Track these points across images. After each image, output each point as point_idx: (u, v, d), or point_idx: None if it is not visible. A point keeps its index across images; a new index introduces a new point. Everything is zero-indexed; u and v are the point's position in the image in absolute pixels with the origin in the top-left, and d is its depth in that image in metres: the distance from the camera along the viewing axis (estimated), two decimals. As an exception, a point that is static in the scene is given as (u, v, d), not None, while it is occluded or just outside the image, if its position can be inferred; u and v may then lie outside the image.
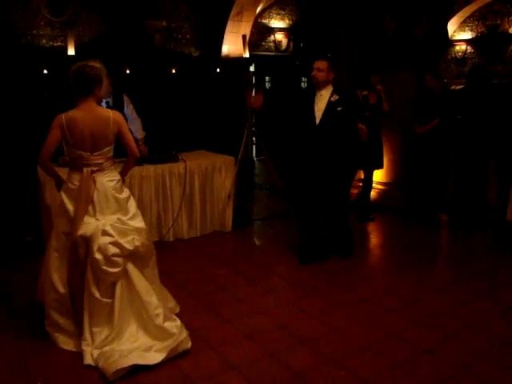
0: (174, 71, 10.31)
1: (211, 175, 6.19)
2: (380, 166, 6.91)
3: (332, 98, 5.07)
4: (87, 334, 3.48)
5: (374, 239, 6.43)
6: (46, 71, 8.73)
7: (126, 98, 6.23)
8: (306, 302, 4.34)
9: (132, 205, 3.76)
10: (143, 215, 3.95)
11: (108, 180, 3.66)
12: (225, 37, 10.13)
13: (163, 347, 3.39)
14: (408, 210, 7.00)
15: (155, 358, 3.32)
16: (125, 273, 3.57)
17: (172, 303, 4.05)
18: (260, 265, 5.29)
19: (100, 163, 3.63)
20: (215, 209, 6.29)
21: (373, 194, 7.34)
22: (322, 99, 5.11)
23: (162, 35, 10.23)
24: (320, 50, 9.01)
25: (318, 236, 5.31)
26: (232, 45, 10.25)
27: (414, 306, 4.27)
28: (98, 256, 3.46)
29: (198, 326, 3.87)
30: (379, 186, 7.67)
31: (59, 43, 9.05)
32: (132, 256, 3.59)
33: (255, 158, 10.03)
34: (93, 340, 3.47)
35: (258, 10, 10.38)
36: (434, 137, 6.55)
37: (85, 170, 3.59)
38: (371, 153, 6.71)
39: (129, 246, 3.54)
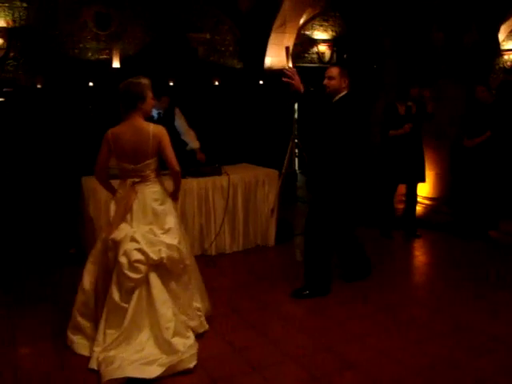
0: (216, 83, 10.32)
1: (254, 189, 6.11)
2: (422, 180, 6.69)
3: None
4: (101, 335, 3.55)
5: (421, 257, 6.21)
6: (91, 84, 8.85)
7: (177, 111, 6.29)
8: (352, 323, 4.18)
9: (170, 221, 3.78)
10: (185, 228, 3.91)
11: (150, 191, 3.77)
12: (268, 49, 10.09)
13: (166, 362, 3.38)
14: (456, 227, 6.74)
15: (153, 372, 3.30)
16: (147, 281, 3.63)
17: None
18: (301, 281, 5.14)
19: (142, 175, 3.75)
20: (258, 223, 6.20)
21: (419, 209, 7.11)
22: None
23: (206, 47, 10.28)
24: (364, 61, 8.85)
25: (358, 252, 5.10)
26: (275, 57, 10.19)
27: (469, 331, 4.03)
28: (123, 260, 3.58)
29: (240, 346, 3.77)
30: (425, 201, 7.43)
31: (104, 56, 9.18)
32: (157, 267, 3.66)
33: (298, 171, 9.90)
34: (104, 341, 3.52)
35: (302, 21, 10.31)
36: (485, 150, 6.31)
37: (128, 180, 3.78)
38: (412, 166, 6.51)
39: (153, 256, 3.61)
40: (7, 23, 8.64)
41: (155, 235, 3.69)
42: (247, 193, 6.05)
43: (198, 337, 3.81)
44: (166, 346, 3.49)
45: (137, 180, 3.76)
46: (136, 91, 3.71)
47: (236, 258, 5.87)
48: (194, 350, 3.54)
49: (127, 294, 3.58)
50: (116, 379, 3.23)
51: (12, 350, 3.74)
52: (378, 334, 3.96)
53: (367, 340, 3.86)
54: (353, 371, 3.44)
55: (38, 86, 8.63)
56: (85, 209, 5.57)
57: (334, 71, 4.65)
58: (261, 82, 10.34)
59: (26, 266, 5.54)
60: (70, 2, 8.90)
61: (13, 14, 8.69)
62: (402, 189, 7.04)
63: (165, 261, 3.65)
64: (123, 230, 3.67)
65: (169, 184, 3.98)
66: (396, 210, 7.06)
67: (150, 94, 3.79)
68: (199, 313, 3.93)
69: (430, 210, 7.38)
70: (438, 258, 6.19)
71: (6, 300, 4.65)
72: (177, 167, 3.83)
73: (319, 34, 11.01)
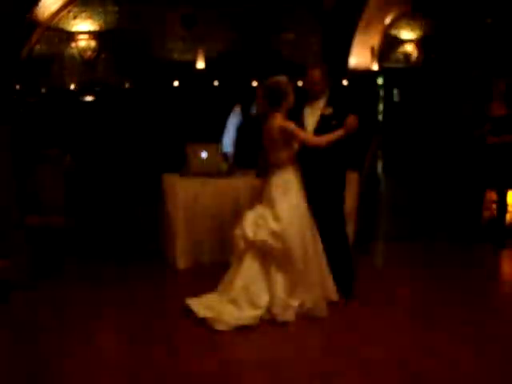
0: (300, 84, 10.24)
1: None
2: (510, 186, 6.27)
3: (326, 111, 4.35)
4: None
5: (508, 269, 5.84)
6: (176, 84, 9.06)
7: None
8: (429, 336, 3.97)
9: (283, 208, 4.08)
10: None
11: (276, 178, 4.18)
12: (352, 49, 9.90)
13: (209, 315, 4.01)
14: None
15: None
16: (243, 255, 4.13)
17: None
18: (380, 289, 4.97)
19: (275, 164, 4.21)
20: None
21: (508, 217, 6.69)
22: (314, 112, 4.40)
23: (290, 48, 10.23)
24: (452, 60, 8.48)
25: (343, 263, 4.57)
26: (360, 57, 9.99)
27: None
28: (237, 230, 4.20)
29: (306, 348, 3.68)
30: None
31: (189, 57, 9.37)
32: (253, 246, 4.08)
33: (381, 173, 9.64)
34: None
35: (387, 21, 10.03)
36: None
37: (269, 168, 4.28)
38: (503, 170, 6.12)
39: (249, 234, 4.08)
40: (100, 26, 9.01)
41: (263, 218, 4.10)
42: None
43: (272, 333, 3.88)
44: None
45: (272, 168, 4.25)
46: (279, 90, 4.13)
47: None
48: (236, 321, 3.92)
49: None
50: None
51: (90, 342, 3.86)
52: (457, 349, 3.73)
53: (445, 355, 3.65)
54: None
55: (126, 86, 8.95)
56: (163, 204, 5.70)
57: (318, 75, 4.35)
58: (345, 83, 10.17)
59: (108, 259, 5.73)
60: (157, 4, 9.16)
61: (105, 18, 9.06)
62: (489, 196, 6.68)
63: (257, 243, 4.05)
64: (251, 210, 4.25)
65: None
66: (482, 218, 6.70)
67: (291, 90, 4.18)
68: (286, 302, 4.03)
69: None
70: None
71: (86, 292, 4.83)
72: (310, 141, 4.19)
73: (406, 34, 10.67)
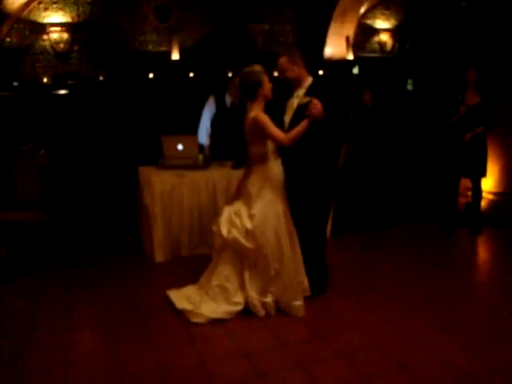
0: (276, 74, 10.23)
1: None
2: (483, 174, 6.36)
3: (302, 101, 4.10)
4: None
5: (483, 254, 5.95)
6: (151, 75, 8.98)
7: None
8: (404, 322, 4.02)
9: (257, 205, 4.03)
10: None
11: (254, 174, 4.11)
12: (328, 39, 9.90)
13: (188, 309, 4.07)
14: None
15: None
16: (219, 251, 4.12)
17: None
18: (357, 277, 5.02)
19: (252, 158, 4.13)
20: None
21: (482, 204, 6.80)
22: (294, 102, 4.25)
23: (265, 38, 10.19)
24: (427, 50, 8.54)
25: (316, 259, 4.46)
26: (335, 47, 9.99)
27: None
28: (214, 226, 4.18)
29: (287, 342, 3.70)
30: (489, 196, 7.11)
31: (164, 48, 9.28)
32: (227, 244, 4.03)
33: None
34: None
35: (362, 10, 10.05)
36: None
37: (247, 162, 4.25)
38: (475, 160, 6.22)
39: (223, 231, 4.03)
40: (72, 18, 8.87)
41: (238, 216, 4.05)
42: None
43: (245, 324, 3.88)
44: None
45: (250, 162, 4.20)
46: (252, 80, 3.97)
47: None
48: (213, 314, 3.95)
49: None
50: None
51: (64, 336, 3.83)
52: (432, 335, 3.79)
53: (421, 341, 3.71)
54: (404, 372, 3.30)
55: (100, 78, 8.84)
56: (140, 197, 5.67)
57: (283, 62, 4.20)
58: (320, 73, 10.17)
59: (84, 253, 5.68)
60: (130, -5, 9.06)
61: (77, 9, 8.92)
62: (464, 183, 6.78)
63: (229, 241, 4.01)
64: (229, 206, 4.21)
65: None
66: (458, 204, 6.80)
67: (265, 79, 4.02)
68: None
69: (494, 204, 7.04)
70: (501, 255, 5.90)
71: (64, 286, 4.79)
72: (283, 140, 3.97)
73: (381, 23, 10.70)
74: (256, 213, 4.01)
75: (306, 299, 4.20)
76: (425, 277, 4.98)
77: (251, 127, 4.03)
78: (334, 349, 3.58)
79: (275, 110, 4.19)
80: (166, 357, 3.48)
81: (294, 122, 4.07)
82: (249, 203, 4.07)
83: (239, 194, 4.24)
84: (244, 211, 4.06)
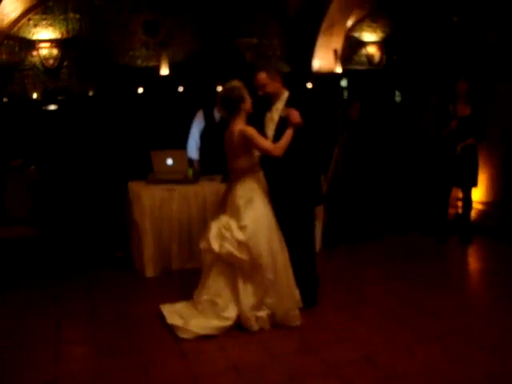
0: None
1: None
2: (474, 184, 6.43)
3: (283, 114, 4.23)
4: None
5: (474, 264, 5.98)
6: (140, 90, 9.01)
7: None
8: (395, 333, 4.03)
9: (247, 217, 4.02)
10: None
11: (239, 186, 4.11)
12: (315, 52, 9.98)
13: (178, 324, 4.03)
14: (505, 232, 6.48)
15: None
16: (210, 266, 4.10)
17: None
18: (347, 289, 5.03)
19: (237, 172, 4.16)
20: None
21: (473, 213, 6.85)
22: (274, 116, 4.34)
23: (254, 52, 10.26)
24: (414, 62, 8.63)
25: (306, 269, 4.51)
26: (323, 60, 10.07)
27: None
28: (202, 243, 4.16)
29: (278, 355, 3.70)
30: (478, 206, 7.16)
31: (153, 63, 9.32)
32: (219, 259, 4.03)
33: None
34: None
35: (349, 23, 10.15)
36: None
37: (231, 175, 4.26)
38: (466, 170, 6.28)
39: (214, 246, 4.02)
40: (61, 34, 8.90)
41: (227, 229, 4.03)
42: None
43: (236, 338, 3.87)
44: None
45: (233, 176, 4.23)
46: (234, 95, 4.05)
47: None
48: (202, 330, 3.93)
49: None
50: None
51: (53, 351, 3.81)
52: (424, 345, 3.81)
53: (412, 351, 3.72)
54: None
55: (90, 94, 8.85)
56: (130, 213, 5.67)
57: (263, 77, 4.29)
58: (309, 86, 10.25)
59: (74, 268, 5.66)
60: (119, 11, 9.09)
61: (67, 26, 8.95)
62: (454, 193, 6.84)
63: (224, 256, 4.00)
64: (216, 220, 4.17)
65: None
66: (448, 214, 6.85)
67: (246, 94, 4.11)
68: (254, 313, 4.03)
69: (483, 214, 7.10)
70: (491, 265, 5.94)
71: (53, 301, 4.77)
72: (272, 151, 4.05)
73: (368, 36, 10.80)
74: (247, 224, 4.01)
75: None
76: (416, 288, 5.00)
77: (238, 141, 4.06)
78: (325, 361, 3.58)
79: (255, 123, 4.25)
80: (157, 372, 3.47)
81: (279, 133, 4.20)
82: (237, 216, 4.06)
83: (224, 208, 4.22)
84: (233, 224, 4.04)
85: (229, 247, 3.99)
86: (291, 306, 4.11)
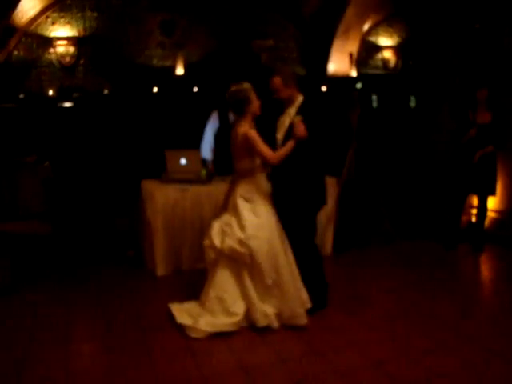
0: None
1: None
2: (492, 192, 6.38)
3: (295, 120, 4.20)
4: None
5: (485, 272, 5.94)
6: (155, 90, 9.04)
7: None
8: (404, 339, 4.02)
9: (246, 218, 4.10)
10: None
11: (241, 187, 4.20)
12: (331, 55, 9.97)
13: (188, 323, 4.08)
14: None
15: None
16: (215, 265, 4.18)
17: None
18: (357, 294, 5.02)
19: (239, 172, 4.23)
20: (314, 231, 6.10)
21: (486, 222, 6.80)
22: (285, 121, 4.36)
23: (269, 54, 10.26)
24: (430, 67, 8.59)
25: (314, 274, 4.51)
26: (338, 63, 10.06)
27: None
28: (205, 240, 4.24)
29: (285, 357, 3.70)
30: (492, 214, 7.10)
31: (169, 63, 9.36)
32: (222, 254, 4.10)
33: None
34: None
35: (366, 27, 10.13)
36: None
37: (233, 176, 4.34)
38: (483, 177, 6.23)
39: (216, 242, 4.12)
40: (78, 32, 8.95)
41: (229, 226, 4.12)
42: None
43: (245, 339, 3.84)
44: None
45: (236, 176, 4.30)
46: (240, 97, 4.11)
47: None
48: (212, 328, 3.98)
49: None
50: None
51: (64, 349, 3.83)
52: (434, 353, 3.79)
53: (421, 359, 3.70)
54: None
55: (105, 92, 8.90)
56: (142, 212, 5.69)
57: (277, 82, 4.29)
58: (324, 89, 10.23)
59: (86, 266, 5.69)
60: (136, 10, 9.14)
61: (84, 24, 9.01)
62: (468, 200, 6.80)
63: (225, 251, 4.07)
64: (220, 217, 4.28)
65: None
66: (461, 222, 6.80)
67: (253, 96, 4.16)
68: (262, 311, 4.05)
69: (497, 223, 7.04)
70: (503, 273, 5.90)
71: (65, 298, 4.79)
72: (271, 159, 4.11)
73: (384, 40, 10.77)
74: (247, 223, 4.08)
75: (307, 314, 4.21)
76: (426, 294, 4.98)
77: (241, 142, 4.13)
78: (332, 365, 3.57)
79: (267, 126, 4.30)
80: (167, 370, 3.48)
81: (287, 139, 4.21)
82: (238, 215, 4.14)
83: (226, 207, 4.32)
84: (234, 222, 4.14)
85: (230, 242, 4.07)
86: (297, 305, 4.13)
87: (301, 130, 4.09)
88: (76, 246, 6.10)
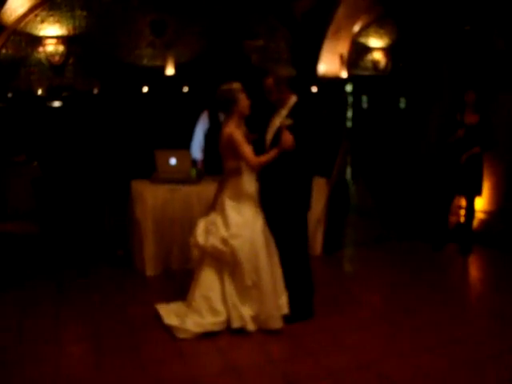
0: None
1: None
2: (479, 193, 6.42)
3: (285, 122, 4.12)
4: None
5: (474, 272, 5.97)
6: (145, 89, 9.02)
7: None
8: (393, 340, 4.03)
9: (232, 216, 4.11)
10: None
11: (228, 186, 4.20)
12: (321, 56, 9.99)
13: (175, 324, 4.07)
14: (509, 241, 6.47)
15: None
16: (201, 263, 4.19)
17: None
18: (347, 295, 5.03)
19: (227, 172, 4.21)
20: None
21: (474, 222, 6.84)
22: (275, 123, 4.28)
23: (259, 55, 10.27)
24: (420, 69, 8.63)
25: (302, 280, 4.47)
26: (329, 64, 10.09)
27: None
28: (190, 239, 4.28)
29: (276, 358, 3.70)
30: (480, 215, 7.14)
31: (159, 63, 9.34)
32: (205, 252, 4.12)
33: (350, 180, 9.74)
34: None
35: (356, 28, 10.16)
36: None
37: (223, 176, 4.31)
38: (470, 178, 6.27)
39: (200, 240, 4.14)
40: (68, 31, 8.91)
41: (214, 225, 4.14)
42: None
43: (234, 340, 3.85)
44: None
45: (225, 176, 4.28)
46: (228, 97, 4.09)
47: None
48: (199, 328, 3.98)
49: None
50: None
51: (53, 349, 3.80)
52: (422, 353, 3.80)
53: (410, 359, 3.72)
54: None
55: (95, 92, 8.86)
56: (132, 211, 5.66)
57: (270, 83, 4.25)
58: (314, 90, 10.25)
59: (74, 266, 5.66)
60: (126, 10, 9.11)
61: (73, 23, 8.96)
62: (455, 201, 6.83)
63: (209, 249, 4.08)
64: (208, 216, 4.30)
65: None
66: (449, 223, 6.84)
67: (242, 96, 4.12)
68: (241, 312, 4.04)
69: (484, 223, 7.09)
70: (491, 274, 5.94)
71: (53, 299, 4.76)
72: (253, 163, 4.07)
73: (374, 42, 10.82)
74: (232, 222, 4.10)
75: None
76: (415, 295, 5.00)
77: (226, 143, 4.11)
78: (322, 366, 3.57)
79: (260, 125, 4.28)
80: (156, 371, 3.47)
81: (274, 143, 4.13)
82: (224, 214, 4.15)
83: (214, 206, 4.32)
84: (219, 221, 4.15)
85: (213, 240, 4.08)
86: (273, 308, 4.10)
87: (287, 140, 3.95)
88: (65, 246, 6.05)
